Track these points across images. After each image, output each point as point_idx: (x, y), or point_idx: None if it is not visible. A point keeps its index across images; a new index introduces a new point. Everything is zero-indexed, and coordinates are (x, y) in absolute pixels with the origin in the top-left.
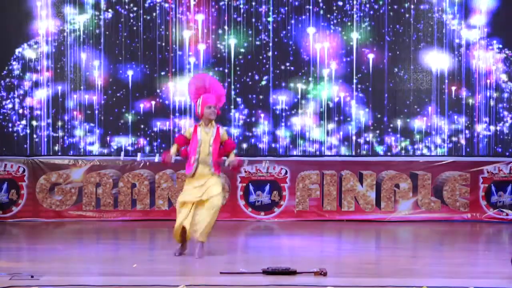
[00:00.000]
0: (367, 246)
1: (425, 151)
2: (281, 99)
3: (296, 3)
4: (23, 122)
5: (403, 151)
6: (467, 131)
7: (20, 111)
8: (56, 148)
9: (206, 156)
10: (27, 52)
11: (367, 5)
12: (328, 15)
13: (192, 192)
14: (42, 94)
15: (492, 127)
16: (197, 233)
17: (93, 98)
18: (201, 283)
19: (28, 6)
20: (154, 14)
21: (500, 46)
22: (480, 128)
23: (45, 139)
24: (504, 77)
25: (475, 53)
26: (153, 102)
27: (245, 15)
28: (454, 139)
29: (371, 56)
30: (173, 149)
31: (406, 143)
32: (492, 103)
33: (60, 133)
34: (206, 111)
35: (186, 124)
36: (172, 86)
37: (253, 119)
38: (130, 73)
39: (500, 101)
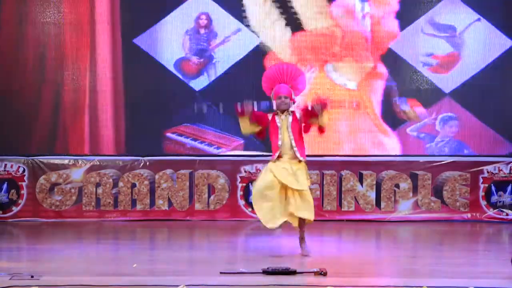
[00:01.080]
0: (367, 246)
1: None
2: None
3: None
4: (22, 122)
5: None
6: (467, 131)
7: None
8: (56, 148)
9: (288, 142)
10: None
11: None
12: (329, 18)
13: (282, 173)
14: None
15: (492, 127)
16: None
17: (93, 97)
18: (201, 283)
19: (26, 5)
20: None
21: (502, 44)
22: (481, 127)
23: (42, 141)
24: (505, 78)
25: (477, 54)
26: (152, 103)
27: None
28: (454, 138)
29: (372, 58)
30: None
31: (405, 144)
32: (493, 99)
33: (60, 133)
34: (277, 102)
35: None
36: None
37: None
38: (130, 73)
39: (501, 101)
